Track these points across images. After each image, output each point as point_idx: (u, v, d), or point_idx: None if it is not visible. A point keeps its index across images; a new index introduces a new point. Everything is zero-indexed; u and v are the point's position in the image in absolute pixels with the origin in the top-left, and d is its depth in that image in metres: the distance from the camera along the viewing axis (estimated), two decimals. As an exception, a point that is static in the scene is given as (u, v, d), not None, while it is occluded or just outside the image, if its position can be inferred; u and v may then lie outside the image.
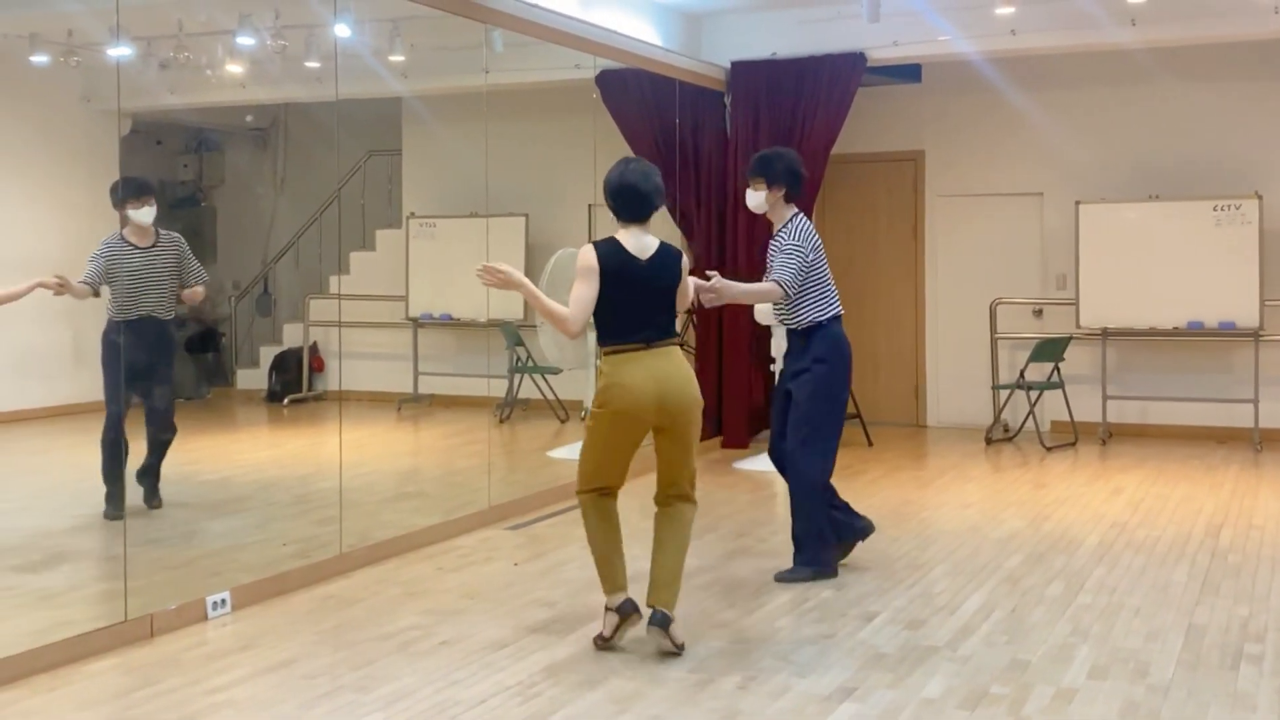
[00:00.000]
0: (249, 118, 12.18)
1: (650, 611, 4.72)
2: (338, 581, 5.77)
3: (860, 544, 6.10)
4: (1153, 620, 5.14)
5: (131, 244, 6.77)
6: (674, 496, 4.89)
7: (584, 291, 4.70)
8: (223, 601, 5.23)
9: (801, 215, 5.91)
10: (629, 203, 4.78)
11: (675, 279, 4.83)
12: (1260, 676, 4.44)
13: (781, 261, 5.74)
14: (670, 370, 4.72)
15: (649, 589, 4.76)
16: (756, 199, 5.92)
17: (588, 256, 4.71)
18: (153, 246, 6.83)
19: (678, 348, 4.86)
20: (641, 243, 4.77)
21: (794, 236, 5.79)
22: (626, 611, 4.78)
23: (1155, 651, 4.73)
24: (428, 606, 5.37)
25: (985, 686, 4.36)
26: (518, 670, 4.51)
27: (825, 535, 5.86)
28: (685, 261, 4.92)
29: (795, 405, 5.80)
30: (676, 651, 4.68)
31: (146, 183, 6.92)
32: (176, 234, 7.03)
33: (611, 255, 4.73)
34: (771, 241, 5.91)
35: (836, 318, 5.86)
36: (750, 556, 6.28)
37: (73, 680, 4.42)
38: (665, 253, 4.82)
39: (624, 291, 4.71)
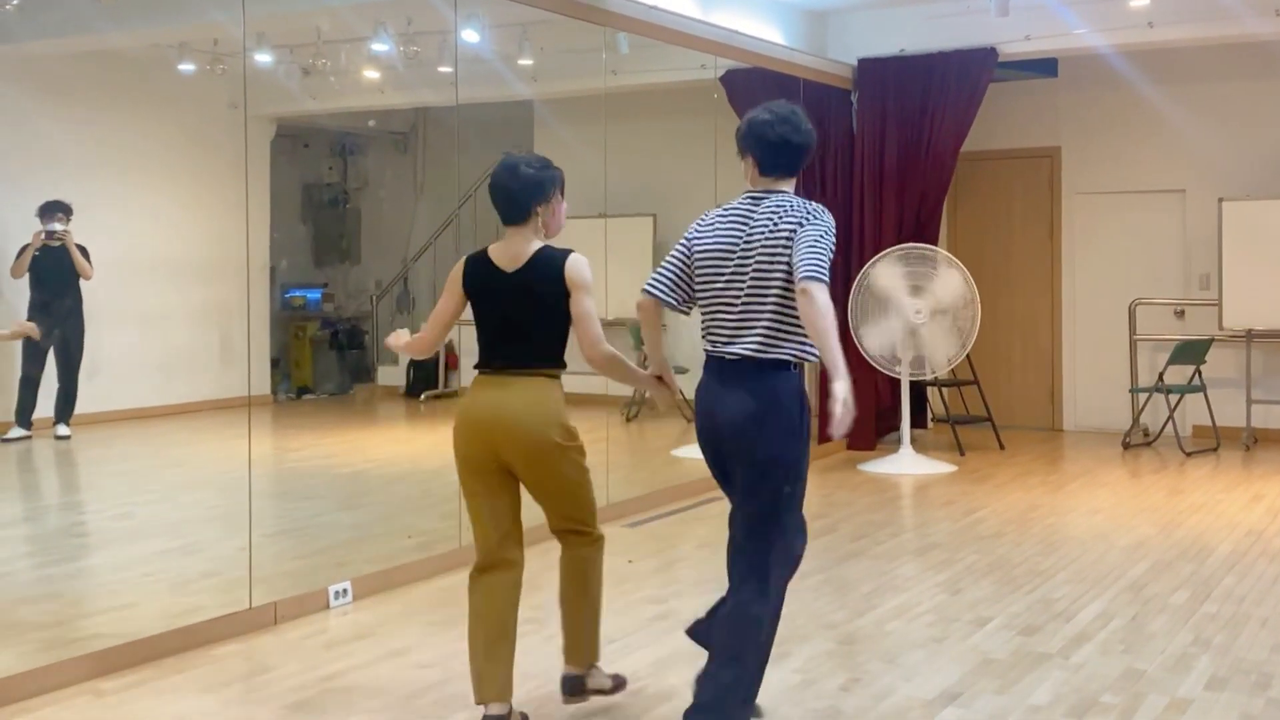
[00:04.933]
0: (371, 122, 12.51)
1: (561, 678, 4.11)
2: (457, 574, 5.87)
3: (993, 549, 6.03)
4: (1281, 632, 4.96)
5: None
6: (563, 531, 4.12)
7: (440, 306, 4.02)
8: (344, 591, 5.40)
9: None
10: (498, 204, 3.97)
11: (550, 295, 3.87)
12: (1392, 694, 4.25)
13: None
14: (504, 402, 3.83)
15: (563, 651, 4.15)
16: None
17: (456, 267, 4.00)
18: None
19: (536, 378, 3.90)
20: (511, 251, 3.91)
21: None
22: None
23: (1279, 664, 4.57)
24: (541, 600, 5.44)
25: (1096, 695, 4.26)
26: (624, 664, 4.56)
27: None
28: (579, 272, 3.90)
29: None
30: (611, 689, 4.17)
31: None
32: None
33: (476, 265, 3.96)
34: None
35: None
36: (865, 559, 6.24)
37: (199, 664, 4.63)
38: (540, 262, 3.89)
39: (483, 308, 3.95)
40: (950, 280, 8.71)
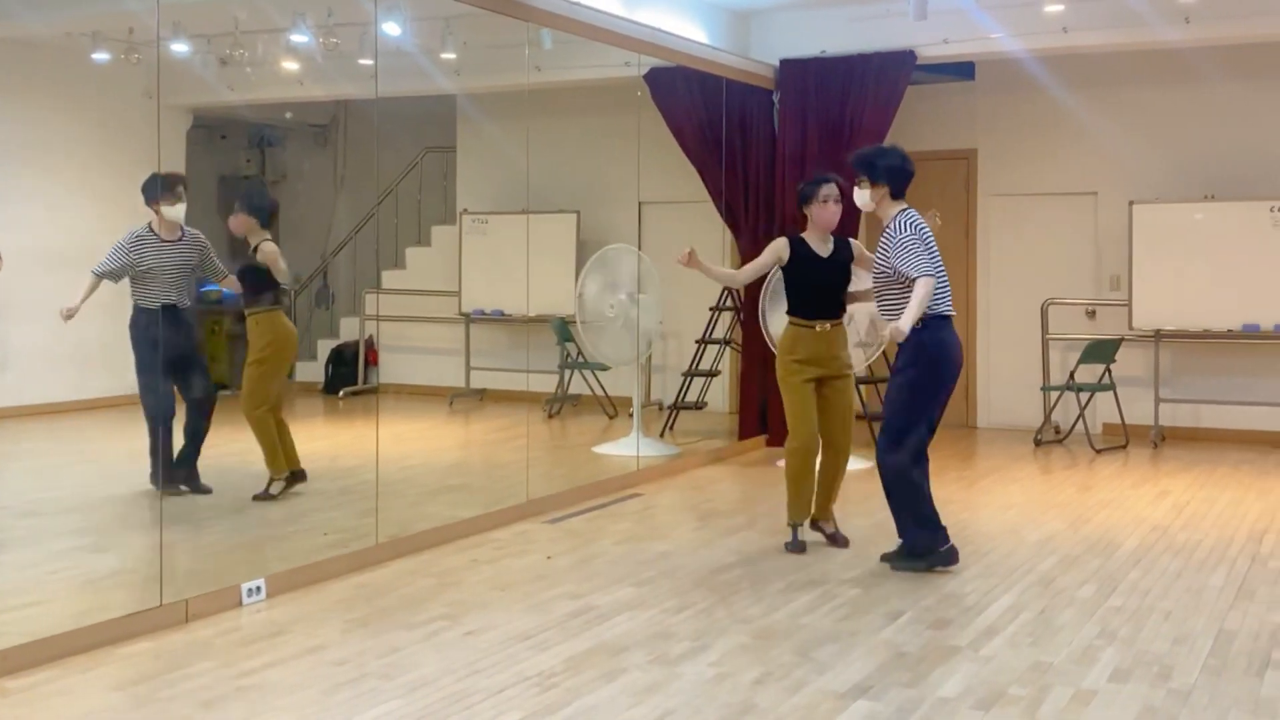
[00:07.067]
0: (288, 114, 12.36)
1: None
2: (373, 571, 5.88)
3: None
4: (1183, 625, 5.09)
5: (159, 235, 6.96)
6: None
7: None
8: (258, 589, 5.35)
9: (910, 210, 5.96)
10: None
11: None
12: (1286, 683, 4.39)
13: (906, 259, 5.74)
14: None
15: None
16: (863, 197, 6.06)
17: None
18: (180, 239, 7.02)
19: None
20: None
21: (901, 229, 5.82)
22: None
23: (1181, 656, 4.69)
24: (458, 598, 5.46)
25: (1004, 687, 4.35)
26: (538, 661, 4.57)
27: (921, 522, 5.90)
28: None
29: (887, 398, 6.00)
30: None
31: (176, 178, 7.07)
32: (199, 233, 7.19)
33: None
34: (881, 238, 5.98)
35: (941, 317, 5.82)
36: (782, 555, 6.30)
37: (107, 662, 4.56)
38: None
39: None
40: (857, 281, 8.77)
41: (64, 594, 5.41)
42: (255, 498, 7.11)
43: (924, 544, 5.90)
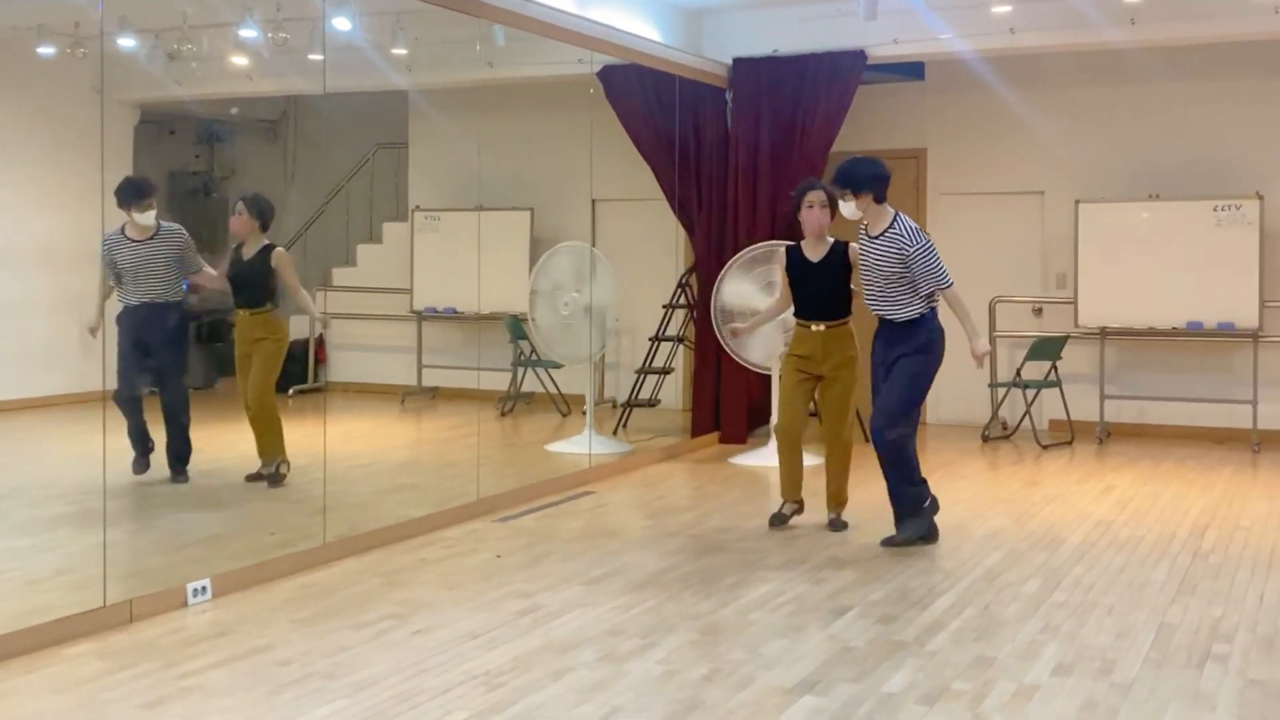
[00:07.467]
0: (234, 109, 12.26)
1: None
2: (320, 571, 5.84)
3: (854, 538, 6.51)
4: (1125, 619, 5.16)
5: (130, 238, 7.28)
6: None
7: None
8: (203, 589, 5.30)
9: (902, 215, 6.38)
10: None
11: None
12: (1224, 676, 4.46)
13: (934, 266, 6.23)
14: None
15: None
16: (849, 208, 6.40)
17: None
18: (152, 238, 7.31)
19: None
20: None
21: (917, 236, 6.26)
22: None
23: (1123, 650, 4.75)
24: (406, 597, 5.44)
25: (948, 682, 4.39)
26: (486, 660, 4.56)
27: (914, 482, 6.44)
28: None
29: (891, 383, 6.33)
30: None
31: (148, 186, 7.47)
32: (178, 226, 7.37)
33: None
34: (869, 239, 6.35)
35: (935, 309, 6.37)
36: (732, 551, 6.33)
37: (49, 664, 4.50)
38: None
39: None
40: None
41: (5, 595, 5.34)
42: (270, 484, 7.44)
43: (919, 499, 6.43)
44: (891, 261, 6.25)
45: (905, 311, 6.29)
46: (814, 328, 6.69)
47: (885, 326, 6.39)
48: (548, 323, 9.31)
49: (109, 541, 5.25)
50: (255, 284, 7.56)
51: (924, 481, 6.49)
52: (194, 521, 6.94)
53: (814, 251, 6.74)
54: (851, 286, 6.76)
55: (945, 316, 6.38)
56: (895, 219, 6.31)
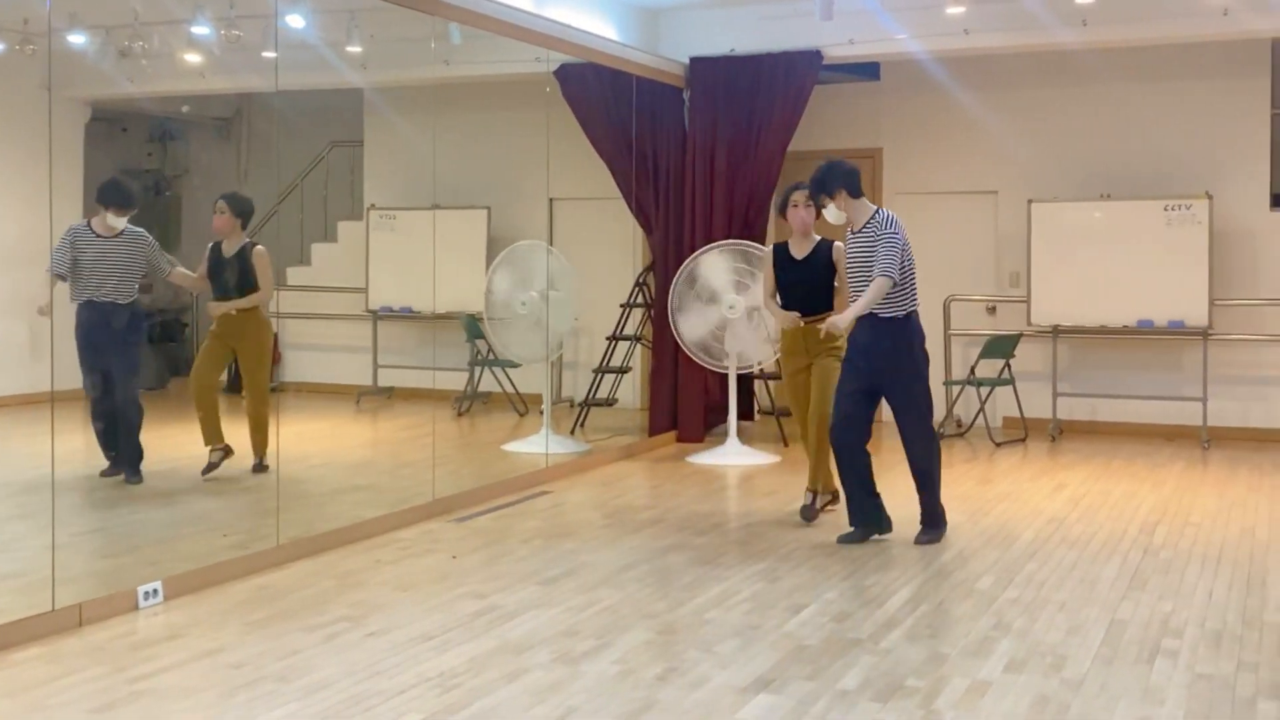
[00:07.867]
0: (185, 107, 12.15)
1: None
2: (274, 573, 5.80)
3: (810, 536, 6.43)
4: (1076, 615, 5.21)
5: (96, 233, 7.25)
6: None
7: None
8: (154, 591, 5.25)
9: (885, 209, 6.45)
10: None
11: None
12: (1174, 670, 4.51)
13: (886, 254, 6.21)
14: None
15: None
16: (831, 212, 6.50)
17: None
18: (117, 236, 7.28)
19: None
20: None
21: (887, 226, 6.28)
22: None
23: (1074, 646, 4.80)
24: (360, 598, 5.40)
25: (902, 679, 4.41)
26: (440, 662, 4.54)
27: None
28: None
29: (904, 389, 6.45)
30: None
31: (133, 198, 7.44)
32: (142, 230, 7.35)
33: None
34: (852, 235, 6.41)
35: (916, 310, 6.45)
36: (688, 549, 6.34)
37: (-4, 668, 4.45)
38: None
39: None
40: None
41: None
42: (254, 470, 7.63)
43: (939, 507, 6.61)
44: (873, 253, 6.28)
45: (890, 308, 6.31)
46: (800, 322, 6.89)
47: (868, 321, 6.32)
48: (504, 322, 9.28)
49: (58, 544, 5.18)
50: (238, 280, 7.68)
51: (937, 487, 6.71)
52: (146, 523, 6.87)
53: (799, 249, 7.00)
54: (835, 284, 6.91)
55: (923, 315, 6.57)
56: (877, 212, 6.42)
